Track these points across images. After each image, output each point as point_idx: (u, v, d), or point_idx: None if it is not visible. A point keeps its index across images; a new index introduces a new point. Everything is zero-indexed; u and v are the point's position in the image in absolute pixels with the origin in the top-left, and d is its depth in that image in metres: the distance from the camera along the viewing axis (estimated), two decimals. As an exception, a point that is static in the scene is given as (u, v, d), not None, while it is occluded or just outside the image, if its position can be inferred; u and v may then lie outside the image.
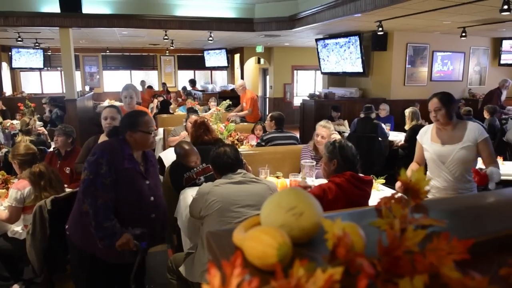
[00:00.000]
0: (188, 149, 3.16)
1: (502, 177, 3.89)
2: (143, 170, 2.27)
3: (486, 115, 6.52)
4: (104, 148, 2.16)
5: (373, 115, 6.11)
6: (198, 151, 3.30)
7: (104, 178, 2.06)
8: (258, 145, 4.52)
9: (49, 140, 5.46)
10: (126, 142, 2.22)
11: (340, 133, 6.25)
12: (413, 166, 2.99)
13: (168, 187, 3.34)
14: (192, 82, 12.18)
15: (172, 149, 4.81)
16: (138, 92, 4.03)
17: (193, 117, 5.06)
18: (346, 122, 7.25)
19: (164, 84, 12.42)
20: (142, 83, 11.98)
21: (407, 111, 6.07)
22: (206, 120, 4.09)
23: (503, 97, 8.04)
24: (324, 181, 3.06)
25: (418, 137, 2.98)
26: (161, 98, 8.98)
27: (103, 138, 3.00)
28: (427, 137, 2.85)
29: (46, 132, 5.78)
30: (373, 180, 2.83)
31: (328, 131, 3.61)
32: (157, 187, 2.36)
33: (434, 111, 2.69)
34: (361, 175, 2.42)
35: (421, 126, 5.86)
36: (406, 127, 6.07)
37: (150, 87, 12.11)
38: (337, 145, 2.40)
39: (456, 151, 2.64)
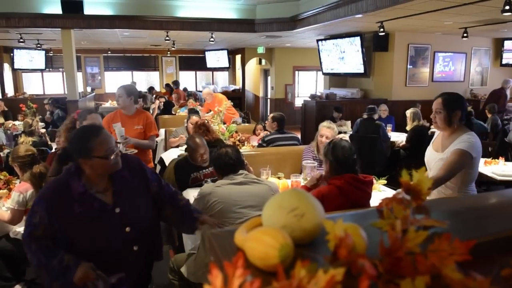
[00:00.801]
0: (199, 142, 3.24)
1: (504, 178, 3.91)
2: (110, 199, 1.80)
3: (488, 114, 6.52)
4: (42, 194, 1.76)
5: (376, 116, 6.11)
6: (211, 153, 3.30)
7: (35, 228, 1.69)
8: (260, 146, 4.52)
9: (50, 142, 5.46)
10: (78, 174, 1.77)
11: (341, 133, 6.26)
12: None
13: (172, 183, 3.34)
14: (175, 84, 11.79)
15: (174, 149, 4.84)
16: (133, 93, 3.58)
17: (194, 118, 5.07)
18: (349, 122, 7.23)
19: (168, 85, 12.29)
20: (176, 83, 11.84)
21: (408, 112, 6.07)
22: (206, 121, 4.09)
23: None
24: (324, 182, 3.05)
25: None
26: (163, 99, 8.98)
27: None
28: (432, 140, 2.69)
29: (45, 133, 5.78)
30: (374, 181, 2.81)
31: (332, 132, 3.59)
32: (136, 208, 1.88)
33: (435, 111, 2.48)
34: (361, 175, 2.39)
35: (422, 126, 5.87)
36: (408, 128, 6.06)
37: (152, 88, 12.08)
38: (330, 145, 2.35)
39: (435, 160, 2.48)
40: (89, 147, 1.73)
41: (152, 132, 3.60)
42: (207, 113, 6.41)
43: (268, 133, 4.79)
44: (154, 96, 10.10)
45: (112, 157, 1.76)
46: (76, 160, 1.78)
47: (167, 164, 4.38)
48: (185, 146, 3.70)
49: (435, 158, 2.48)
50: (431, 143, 2.66)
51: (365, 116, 6.05)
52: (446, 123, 2.41)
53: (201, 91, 13.41)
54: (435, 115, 2.47)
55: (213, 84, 14.55)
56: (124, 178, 1.86)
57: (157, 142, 6.39)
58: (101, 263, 1.69)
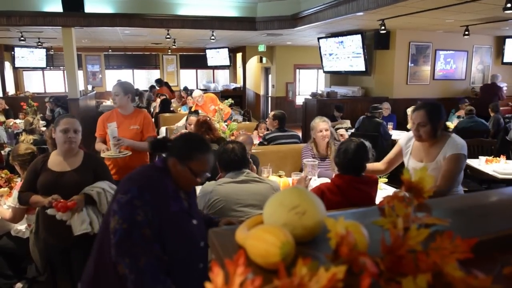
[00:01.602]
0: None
1: (506, 176, 3.91)
2: (187, 206, 1.70)
3: (490, 113, 6.50)
4: (142, 183, 1.55)
5: (379, 115, 6.12)
6: None
7: (142, 228, 1.45)
8: (261, 144, 4.52)
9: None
10: (167, 172, 1.65)
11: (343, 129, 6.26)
12: (378, 164, 2.80)
13: None
14: (158, 82, 11.44)
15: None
16: (130, 91, 3.34)
17: (192, 118, 5.07)
18: (348, 121, 7.22)
19: (166, 83, 12.22)
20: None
21: (409, 110, 6.05)
22: (208, 119, 4.09)
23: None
24: (325, 179, 3.07)
25: (401, 141, 2.69)
26: (163, 97, 8.98)
27: (55, 157, 2.43)
28: (408, 149, 2.56)
29: (45, 131, 5.78)
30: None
31: (327, 124, 3.64)
32: (203, 225, 1.77)
33: (418, 125, 2.31)
34: (366, 175, 2.41)
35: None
36: (409, 126, 6.04)
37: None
38: (343, 146, 2.41)
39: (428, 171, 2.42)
40: (191, 156, 1.65)
41: (149, 132, 3.32)
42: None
43: (269, 131, 4.79)
44: (156, 94, 10.10)
45: (200, 180, 1.71)
46: (170, 156, 1.68)
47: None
48: None
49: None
50: (408, 152, 2.55)
51: (368, 114, 6.05)
52: (432, 135, 2.30)
53: (202, 90, 13.42)
54: (419, 128, 2.31)
55: (213, 82, 14.54)
56: (194, 193, 1.83)
57: (158, 140, 6.41)
58: (180, 279, 1.53)
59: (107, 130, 3.09)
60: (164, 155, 1.73)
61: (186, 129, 4.96)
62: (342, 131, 4.07)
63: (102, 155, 3.05)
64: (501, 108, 6.83)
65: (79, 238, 2.23)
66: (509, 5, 4.53)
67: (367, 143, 2.45)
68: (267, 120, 5.26)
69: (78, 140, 2.43)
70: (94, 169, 2.44)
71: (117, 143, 3.00)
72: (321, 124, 3.62)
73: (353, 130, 6.26)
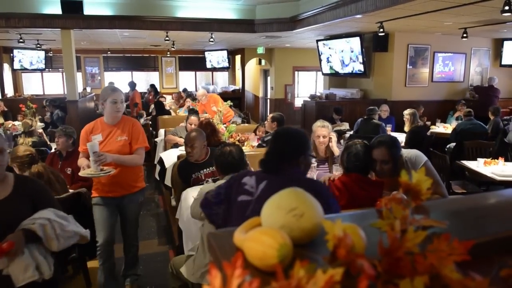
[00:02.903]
0: (190, 137, 3.29)
1: (504, 178, 3.92)
2: None
3: (490, 115, 6.52)
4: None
5: (376, 117, 6.12)
6: (210, 152, 3.33)
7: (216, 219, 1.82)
8: (260, 146, 4.51)
9: (49, 142, 5.46)
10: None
11: (342, 131, 6.27)
12: None
13: (179, 185, 3.36)
14: (131, 85, 10.85)
15: (174, 150, 4.84)
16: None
17: (193, 118, 5.07)
18: (347, 124, 7.24)
19: (152, 85, 11.48)
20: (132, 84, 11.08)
21: (406, 113, 6.07)
22: (211, 120, 4.06)
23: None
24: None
25: None
26: (158, 99, 8.99)
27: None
28: None
29: (43, 134, 5.78)
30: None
31: (327, 130, 3.60)
32: None
33: (381, 162, 2.30)
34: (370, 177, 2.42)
35: (421, 127, 5.87)
36: (406, 129, 6.07)
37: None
38: (343, 150, 2.44)
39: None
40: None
41: (139, 143, 2.83)
42: (203, 114, 6.40)
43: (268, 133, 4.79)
44: (158, 96, 10.08)
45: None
46: (297, 155, 1.74)
47: (166, 164, 4.38)
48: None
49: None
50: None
51: (365, 116, 6.07)
52: (394, 171, 2.26)
53: (201, 92, 13.38)
54: (381, 165, 2.30)
55: (212, 84, 14.55)
56: None
57: (156, 142, 6.42)
58: None
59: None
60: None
61: (186, 129, 4.95)
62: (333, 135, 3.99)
63: (80, 173, 2.63)
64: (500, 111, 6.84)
65: None
66: (507, 7, 4.54)
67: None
68: (265, 123, 5.28)
69: (4, 163, 1.91)
70: (32, 196, 1.94)
71: (98, 160, 2.54)
72: (320, 130, 3.58)
73: (351, 132, 6.28)
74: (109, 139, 2.79)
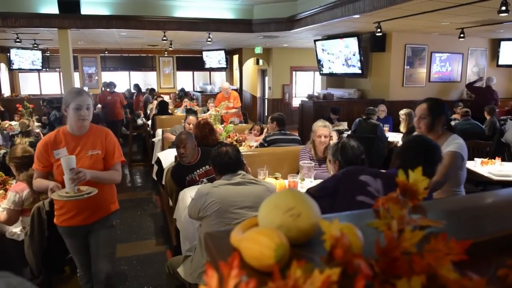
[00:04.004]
0: (182, 138, 3.28)
1: (501, 178, 3.93)
2: None
3: (486, 115, 6.54)
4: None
5: (375, 118, 6.13)
6: (204, 153, 3.34)
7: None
8: (261, 145, 4.50)
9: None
10: None
11: (340, 131, 6.27)
12: None
13: (175, 191, 3.36)
14: (137, 88, 11.22)
15: (171, 150, 4.83)
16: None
17: (191, 118, 5.06)
18: (345, 123, 7.24)
19: (136, 85, 11.65)
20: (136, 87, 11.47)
21: (402, 113, 6.08)
22: (208, 119, 4.08)
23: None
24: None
25: None
26: (160, 99, 8.97)
27: None
28: None
29: (41, 134, 5.76)
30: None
31: (328, 130, 3.62)
32: None
33: (419, 117, 2.60)
34: None
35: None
36: (401, 128, 6.08)
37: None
38: (339, 145, 2.35)
39: None
40: None
41: (115, 158, 2.41)
42: (217, 106, 6.55)
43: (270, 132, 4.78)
44: (156, 96, 10.09)
45: None
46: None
47: (164, 164, 4.37)
48: None
49: None
50: None
51: (364, 116, 6.07)
52: (429, 128, 2.56)
53: (198, 92, 13.42)
54: (419, 120, 2.59)
55: (210, 84, 14.54)
56: None
57: (154, 142, 6.42)
58: None
59: (55, 160, 2.26)
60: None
61: (184, 129, 4.94)
62: (334, 134, 4.03)
63: (53, 196, 2.12)
64: (496, 110, 6.87)
65: None
66: (503, 8, 4.56)
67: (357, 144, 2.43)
68: (258, 122, 5.31)
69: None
70: None
71: (77, 178, 2.10)
72: (320, 130, 3.60)
73: (349, 132, 6.28)
74: (77, 153, 2.28)
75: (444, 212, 1.02)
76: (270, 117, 4.75)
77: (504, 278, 0.66)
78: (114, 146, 2.43)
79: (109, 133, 2.45)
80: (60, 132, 2.35)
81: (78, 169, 2.12)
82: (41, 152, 2.30)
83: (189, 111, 5.87)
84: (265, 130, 5.40)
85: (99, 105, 9.66)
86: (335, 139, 3.60)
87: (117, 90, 9.84)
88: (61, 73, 10.06)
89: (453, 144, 2.49)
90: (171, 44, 9.91)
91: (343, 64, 8.24)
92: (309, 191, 1.97)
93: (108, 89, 9.58)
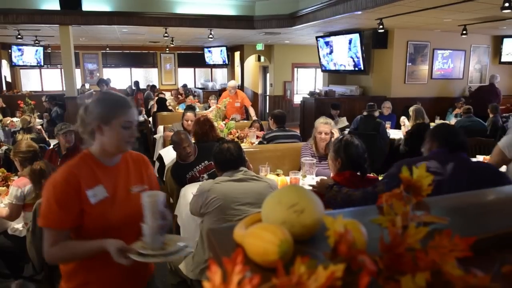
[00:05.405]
0: (183, 137, 3.32)
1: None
2: None
3: (490, 113, 6.51)
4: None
5: (376, 113, 6.10)
6: (201, 149, 3.34)
7: None
8: (260, 143, 4.50)
9: (48, 139, 5.45)
10: None
11: (342, 129, 6.26)
12: None
13: (175, 190, 3.37)
14: (137, 85, 11.22)
15: (172, 146, 4.83)
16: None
17: (189, 114, 5.05)
18: (344, 118, 7.22)
19: (135, 82, 11.79)
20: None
21: (411, 109, 6.05)
22: (208, 116, 4.08)
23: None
24: (323, 178, 3.05)
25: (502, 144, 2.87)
26: (160, 96, 8.96)
27: None
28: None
29: (42, 130, 5.76)
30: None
31: (330, 127, 3.61)
32: None
33: None
34: (369, 174, 2.40)
35: (425, 124, 5.84)
36: (409, 125, 6.04)
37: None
38: (342, 143, 2.34)
39: None
40: None
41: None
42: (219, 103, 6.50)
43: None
44: (157, 93, 10.07)
45: None
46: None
47: (165, 161, 4.37)
48: None
49: None
50: None
51: (365, 113, 6.04)
52: None
53: (200, 88, 13.42)
54: None
55: (211, 81, 14.52)
56: None
57: (155, 138, 6.42)
58: None
59: (89, 206, 1.41)
60: None
61: (183, 126, 4.93)
62: (335, 131, 4.03)
63: (136, 257, 1.32)
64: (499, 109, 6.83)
65: None
66: (506, 4, 4.53)
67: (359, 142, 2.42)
68: (255, 119, 5.29)
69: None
70: None
71: (164, 225, 1.38)
72: (322, 126, 3.59)
73: (349, 129, 6.26)
74: (118, 191, 1.51)
75: (448, 208, 1.02)
76: (270, 114, 4.76)
77: (508, 275, 0.66)
78: (155, 177, 1.73)
79: (145, 159, 1.71)
80: (87, 160, 1.49)
81: (163, 210, 1.38)
82: (68, 196, 1.39)
83: (187, 108, 5.86)
84: (256, 125, 5.42)
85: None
86: (336, 136, 3.59)
87: (118, 87, 9.75)
88: (62, 70, 10.04)
89: None
90: (172, 40, 9.89)
91: (345, 61, 8.21)
92: (375, 191, 2.00)
93: (99, 88, 8.53)
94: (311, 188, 2.25)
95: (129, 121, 1.47)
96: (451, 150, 2.05)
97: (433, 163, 1.97)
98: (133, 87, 11.56)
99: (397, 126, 6.91)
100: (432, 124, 7.02)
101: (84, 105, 1.53)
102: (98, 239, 1.38)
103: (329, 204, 2.07)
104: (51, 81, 13.15)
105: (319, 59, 8.95)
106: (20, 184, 2.86)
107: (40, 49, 11.35)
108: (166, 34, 8.25)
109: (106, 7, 7.10)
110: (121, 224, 1.46)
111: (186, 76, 14.51)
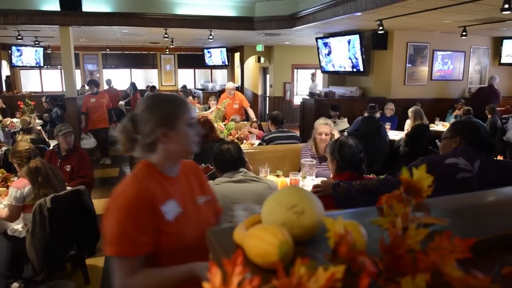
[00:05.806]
0: None
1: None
2: None
3: (488, 114, 6.52)
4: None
5: (377, 115, 6.11)
6: (201, 150, 3.33)
7: None
8: (260, 145, 4.51)
9: (47, 139, 5.45)
10: None
11: (343, 131, 6.25)
12: None
13: None
14: (134, 87, 11.14)
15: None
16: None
17: None
18: (345, 120, 7.23)
19: (132, 84, 11.60)
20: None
21: (410, 111, 6.06)
22: (208, 117, 4.08)
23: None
24: (323, 180, 3.05)
25: None
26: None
27: None
28: None
29: (42, 131, 5.77)
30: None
31: (329, 128, 3.61)
32: None
33: None
34: (368, 175, 2.40)
35: (424, 125, 5.85)
36: (408, 126, 6.05)
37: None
38: (337, 144, 2.34)
39: None
40: None
41: (218, 205, 1.62)
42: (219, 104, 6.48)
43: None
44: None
45: None
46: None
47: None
48: None
49: None
50: None
51: (366, 114, 6.04)
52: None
53: (200, 89, 13.42)
54: None
55: (211, 82, 14.52)
56: None
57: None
58: None
59: (165, 224, 1.23)
60: None
61: None
62: (335, 132, 4.04)
63: None
64: (497, 109, 6.84)
65: None
66: (506, 5, 4.54)
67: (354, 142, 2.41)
68: (253, 119, 5.28)
69: None
70: None
71: None
72: (322, 127, 3.59)
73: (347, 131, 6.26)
74: (188, 206, 1.34)
75: (448, 210, 1.02)
76: (269, 115, 4.77)
77: (508, 276, 0.66)
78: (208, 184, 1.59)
79: (197, 165, 1.62)
80: (151, 171, 1.29)
81: None
82: (144, 214, 1.19)
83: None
84: (254, 125, 5.42)
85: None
86: (336, 137, 3.59)
87: (118, 88, 9.65)
88: (62, 71, 10.03)
89: None
90: (172, 41, 9.90)
91: (345, 62, 8.22)
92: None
93: (89, 91, 7.57)
94: (314, 189, 2.23)
95: (193, 117, 1.34)
96: (478, 150, 2.06)
97: (461, 160, 1.99)
98: (131, 88, 11.48)
99: (398, 127, 6.92)
100: (432, 125, 7.04)
101: (126, 118, 1.30)
102: (180, 264, 1.18)
103: (341, 202, 2.03)
104: (51, 82, 13.16)
105: (319, 60, 8.96)
106: (20, 185, 2.86)
107: (40, 49, 11.35)
108: (166, 35, 8.26)
109: (106, 8, 7.10)
110: (197, 242, 1.19)
111: (186, 77, 14.51)
